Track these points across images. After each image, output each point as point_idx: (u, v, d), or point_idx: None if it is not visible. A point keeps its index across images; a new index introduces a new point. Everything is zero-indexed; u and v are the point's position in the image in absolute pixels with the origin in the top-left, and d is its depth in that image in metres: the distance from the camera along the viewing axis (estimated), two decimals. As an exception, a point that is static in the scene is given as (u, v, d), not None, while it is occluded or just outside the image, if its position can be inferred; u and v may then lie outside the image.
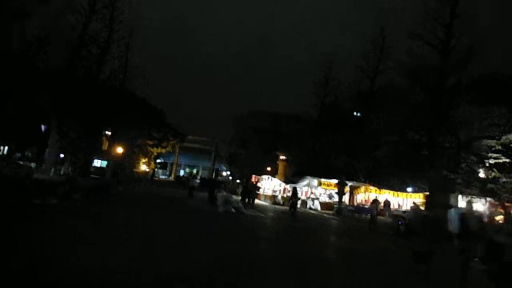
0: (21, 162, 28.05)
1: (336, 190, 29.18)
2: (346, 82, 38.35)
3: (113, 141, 43.74)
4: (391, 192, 29.60)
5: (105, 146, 45.46)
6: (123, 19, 35.73)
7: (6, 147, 42.22)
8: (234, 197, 20.98)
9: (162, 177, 68.21)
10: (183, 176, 68.11)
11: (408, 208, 25.44)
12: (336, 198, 30.32)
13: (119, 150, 45.32)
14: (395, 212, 24.60)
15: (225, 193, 20.40)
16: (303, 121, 57.11)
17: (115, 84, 39.55)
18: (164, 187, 38.95)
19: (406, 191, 30.03)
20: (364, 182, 31.44)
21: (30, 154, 41.83)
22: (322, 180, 29.18)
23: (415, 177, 28.41)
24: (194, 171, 75.12)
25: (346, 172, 34.07)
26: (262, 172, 49.96)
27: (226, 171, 75.66)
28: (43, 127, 28.03)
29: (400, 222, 17.43)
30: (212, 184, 22.60)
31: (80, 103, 32.06)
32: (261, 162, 56.13)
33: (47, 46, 28.96)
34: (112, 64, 36.65)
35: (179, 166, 74.80)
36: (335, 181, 29.47)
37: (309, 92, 42.18)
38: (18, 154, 42.04)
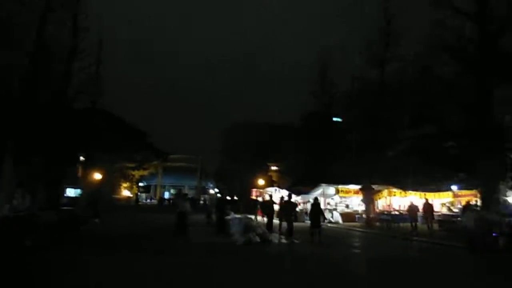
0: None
1: (361, 196, 23.73)
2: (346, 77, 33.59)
3: (88, 166, 36.94)
4: (418, 193, 24.36)
5: (79, 173, 38.33)
6: (88, 26, 29.72)
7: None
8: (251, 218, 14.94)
9: (147, 201, 61.01)
10: (169, 198, 61.14)
11: (457, 210, 20.25)
12: (356, 207, 24.84)
13: (97, 176, 38.59)
14: (442, 217, 19.38)
15: (237, 215, 14.48)
16: (294, 128, 52.14)
17: (86, 100, 33.29)
18: (149, 213, 32.39)
19: (435, 191, 24.87)
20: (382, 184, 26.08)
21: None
22: (340, 187, 23.66)
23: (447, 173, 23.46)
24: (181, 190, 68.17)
25: (348, 177, 28.84)
26: (252, 186, 44.29)
27: (213, 188, 69.26)
28: (-10, 153, 21.26)
29: (495, 234, 12.00)
30: (221, 205, 15.92)
31: (43, 123, 25.50)
32: (252, 175, 50.37)
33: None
34: (80, 77, 30.28)
35: (163, 187, 67.75)
36: (353, 186, 24.01)
37: (307, 92, 36.89)
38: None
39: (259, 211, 28.18)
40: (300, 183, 34.25)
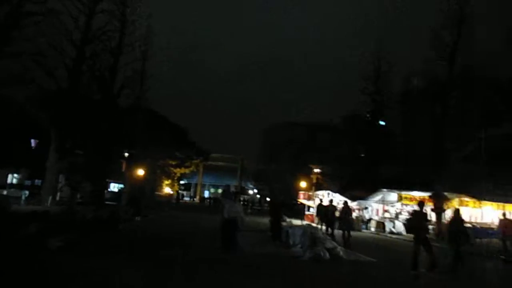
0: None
1: (431, 205, 20.36)
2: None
3: (132, 162, 35.93)
4: (495, 204, 20.55)
5: (123, 169, 37.37)
6: (136, 19, 28.51)
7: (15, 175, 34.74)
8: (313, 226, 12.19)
9: (186, 198, 59.90)
10: (209, 197, 59.70)
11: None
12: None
13: (139, 172, 37.57)
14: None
15: (300, 223, 11.93)
16: (336, 129, 48.87)
17: (131, 96, 32.23)
18: (191, 212, 30.55)
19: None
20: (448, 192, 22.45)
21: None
22: (404, 193, 20.40)
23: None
24: (219, 190, 66.72)
25: (402, 182, 25.38)
26: (294, 188, 41.50)
27: (252, 188, 67.16)
28: (33, 142, 20.20)
29: None
30: (276, 209, 13.15)
31: (88, 116, 24.39)
32: (293, 176, 47.61)
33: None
34: (125, 72, 29.11)
35: (203, 186, 66.56)
36: (418, 193, 20.63)
37: (357, 90, 33.60)
38: (28, 182, 34.51)
39: (308, 217, 25.47)
40: (350, 187, 31.13)
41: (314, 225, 11.74)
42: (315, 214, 24.06)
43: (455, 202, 20.51)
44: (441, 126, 24.56)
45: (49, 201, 20.33)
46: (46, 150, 21.35)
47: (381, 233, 19.93)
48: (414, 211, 12.63)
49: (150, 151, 40.72)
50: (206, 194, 64.24)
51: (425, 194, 20.23)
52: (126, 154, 35.05)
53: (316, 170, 50.22)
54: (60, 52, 21.03)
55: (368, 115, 44.87)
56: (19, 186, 31.00)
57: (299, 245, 10.07)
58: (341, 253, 10.08)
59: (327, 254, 9.38)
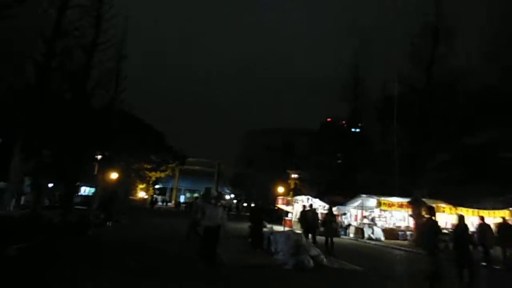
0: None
1: (402, 211, 20.34)
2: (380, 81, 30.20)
3: (105, 165, 34.36)
4: (471, 210, 20.73)
5: (95, 171, 35.67)
6: (112, 16, 27.32)
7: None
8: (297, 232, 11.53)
9: (162, 204, 58.18)
10: (185, 202, 58.21)
11: None
12: (398, 222, 21.38)
13: (113, 175, 36.00)
14: None
15: (282, 229, 11.31)
16: (314, 135, 49.01)
17: (105, 96, 30.87)
18: (165, 218, 29.37)
19: (490, 208, 21.14)
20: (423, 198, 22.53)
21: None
22: (383, 199, 20.22)
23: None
24: (195, 195, 65.33)
25: (378, 188, 25.40)
26: (272, 193, 41.15)
27: (229, 193, 66.21)
28: (-6, 141, 18.68)
29: None
30: (257, 214, 12.36)
31: (58, 115, 22.96)
32: (270, 181, 47.32)
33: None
34: (99, 71, 27.77)
35: (179, 191, 64.99)
36: (397, 199, 20.54)
37: (335, 98, 33.55)
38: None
39: (287, 222, 24.92)
40: (328, 192, 30.92)
41: (297, 231, 11.11)
42: (295, 220, 23.68)
43: (432, 208, 20.57)
44: (418, 133, 24.70)
45: (11, 205, 18.81)
46: (9, 150, 19.80)
47: (360, 239, 19.63)
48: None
49: (125, 154, 39.29)
50: (182, 198, 62.72)
51: (403, 200, 20.17)
52: (99, 157, 33.55)
53: (294, 176, 50.11)
54: (29, 45, 19.63)
55: (343, 122, 45.24)
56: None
57: (281, 253, 9.45)
58: (325, 261, 9.55)
59: (311, 262, 8.81)
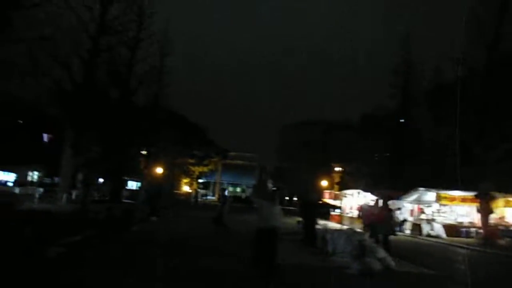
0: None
1: (465, 206, 18.20)
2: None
3: (150, 160, 34.75)
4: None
5: (142, 167, 36.18)
6: (153, 12, 27.14)
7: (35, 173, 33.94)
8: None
9: (205, 198, 58.56)
10: (221, 195, 57.99)
11: None
12: (460, 218, 19.20)
13: (158, 170, 36.38)
14: None
15: (340, 226, 10.05)
16: (360, 127, 46.53)
17: (148, 91, 31.03)
18: (211, 212, 28.66)
19: None
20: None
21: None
22: (443, 192, 18.19)
23: None
24: (238, 189, 65.16)
25: (430, 182, 23.04)
26: (315, 186, 39.50)
27: (271, 188, 65.16)
28: (45, 136, 18.95)
29: None
30: (309, 209, 11.16)
31: (104, 112, 23.14)
32: (312, 175, 45.62)
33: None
34: (143, 67, 27.80)
35: (221, 185, 65.13)
36: (459, 193, 18.37)
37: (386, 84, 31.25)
38: (48, 180, 33.67)
39: (334, 218, 23.31)
40: (376, 186, 28.91)
41: (358, 230, 9.74)
42: (357, 216, 22.13)
43: (500, 203, 18.23)
44: (478, 120, 22.10)
45: (63, 200, 19.10)
46: (60, 146, 20.15)
47: (418, 236, 17.79)
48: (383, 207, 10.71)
49: (169, 149, 39.60)
50: (225, 193, 62.76)
51: (467, 194, 17.98)
52: (145, 152, 33.95)
53: (338, 169, 48.00)
54: (75, 42, 19.72)
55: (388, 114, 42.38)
56: (39, 184, 30.17)
57: (342, 254, 8.21)
58: (392, 263, 8.17)
59: (379, 265, 7.49)
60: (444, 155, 28.98)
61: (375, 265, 7.42)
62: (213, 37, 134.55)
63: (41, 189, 21.20)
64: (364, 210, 14.11)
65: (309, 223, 10.45)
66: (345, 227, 12.26)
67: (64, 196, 19.23)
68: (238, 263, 7.89)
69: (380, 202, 15.41)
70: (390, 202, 19.25)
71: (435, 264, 9.82)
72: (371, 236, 9.96)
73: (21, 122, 27.15)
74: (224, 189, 49.14)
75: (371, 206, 13.55)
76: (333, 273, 7.63)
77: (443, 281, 7.75)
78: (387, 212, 12.82)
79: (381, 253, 7.90)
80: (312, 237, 10.07)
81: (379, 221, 11.90)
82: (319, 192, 30.53)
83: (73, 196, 21.37)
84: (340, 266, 7.94)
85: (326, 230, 9.91)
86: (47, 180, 32.58)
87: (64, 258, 7.50)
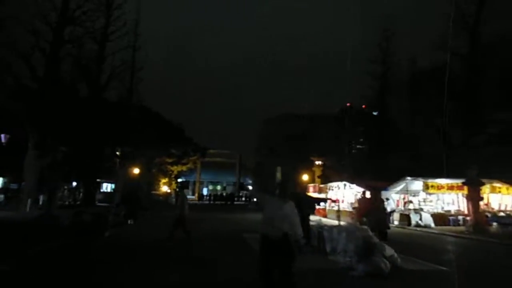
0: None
1: (452, 194, 17.67)
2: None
3: (126, 161, 32.76)
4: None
5: (116, 168, 34.09)
6: (121, 4, 25.26)
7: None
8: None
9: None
10: (207, 194, 56.43)
11: None
12: (447, 206, 18.70)
13: (134, 171, 34.44)
14: None
15: (337, 222, 8.94)
16: (338, 120, 46.10)
17: (120, 87, 29.06)
18: (193, 212, 26.98)
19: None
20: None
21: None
22: (430, 181, 17.56)
23: None
24: (218, 187, 63.65)
25: (408, 170, 22.64)
26: (296, 181, 38.71)
27: (252, 184, 64.24)
28: (3, 137, 16.94)
29: None
30: (299, 204, 9.91)
31: (71, 108, 21.20)
32: (293, 170, 44.78)
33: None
34: (113, 62, 25.87)
35: (201, 183, 63.47)
36: (446, 181, 17.82)
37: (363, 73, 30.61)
38: (14, 185, 31.01)
39: (320, 211, 22.35)
40: (358, 178, 28.32)
41: (362, 226, 8.64)
42: (330, 209, 21.22)
43: (485, 189, 17.80)
44: (458, 106, 21.79)
45: (28, 206, 17.15)
46: (22, 147, 18.13)
47: (406, 227, 17.10)
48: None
49: (145, 148, 37.67)
50: (205, 191, 61.16)
51: (454, 181, 17.43)
52: (118, 153, 31.96)
53: (318, 162, 47.41)
54: (34, 33, 17.78)
55: (364, 106, 42.07)
56: (4, 190, 27.66)
57: (343, 254, 7.12)
58: (399, 261, 7.16)
59: (388, 266, 6.44)
60: (422, 144, 28.82)
61: (384, 265, 6.37)
62: (189, 32, 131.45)
63: (1, 196, 19.03)
64: (362, 203, 13.17)
65: (302, 220, 9.31)
66: (342, 222, 11.14)
67: (29, 202, 17.27)
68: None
69: (368, 194, 14.63)
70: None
71: (439, 258, 8.93)
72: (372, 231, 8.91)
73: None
74: (180, 185, 46.95)
75: (368, 199, 12.62)
76: (336, 275, 6.54)
77: (462, 279, 6.78)
78: (382, 204, 11.96)
79: (389, 250, 6.85)
80: (306, 235, 8.94)
81: (374, 214, 10.99)
82: (304, 185, 29.63)
83: (40, 202, 19.37)
84: (342, 267, 6.86)
85: (322, 226, 8.80)
86: (13, 186, 30.03)
87: (12, 275, 6.03)
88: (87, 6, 19.97)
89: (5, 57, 18.21)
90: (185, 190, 49.97)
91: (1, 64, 17.40)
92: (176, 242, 10.34)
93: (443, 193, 18.11)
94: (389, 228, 11.39)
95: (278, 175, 36.41)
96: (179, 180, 53.85)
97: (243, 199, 49.32)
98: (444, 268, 7.43)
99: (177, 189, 41.68)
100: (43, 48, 18.77)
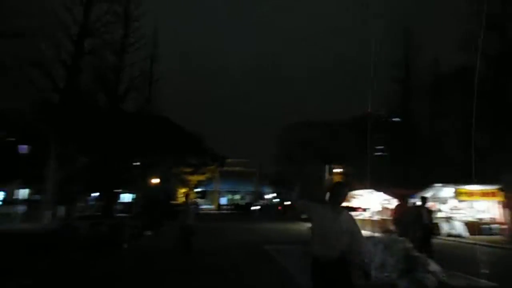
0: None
1: (485, 201, 16.50)
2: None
3: (145, 171, 32.72)
4: None
5: (136, 178, 34.00)
6: (140, 14, 25.45)
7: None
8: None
9: (202, 206, 56.47)
10: (226, 204, 55.87)
11: None
12: (479, 214, 17.48)
13: (153, 181, 34.37)
14: None
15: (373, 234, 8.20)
16: (356, 127, 45.06)
17: (138, 98, 29.14)
18: (212, 222, 26.60)
19: None
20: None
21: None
22: (462, 188, 16.47)
23: None
24: (237, 196, 63.14)
25: (434, 176, 21.41)
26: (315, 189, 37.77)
27: (270, 193, 63.39)
28: (21, 148, 16.97)
29: None
30: None
31: (91, 118, 21.28)
32: (312, 177, 43.82)
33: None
34: (131, 73, 25.96)
35: (219, 193, 63.10)
36: (478, 187, 16.66)
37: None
38: (37, 196, 31.38)
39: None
40: (380, 185, 27.23)
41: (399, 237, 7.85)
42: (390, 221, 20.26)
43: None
44: (487, 107, 20.60)
45: (48, 217, 17.05)
46: (43, 159, 18.16)
47: (437, 237, 15.99)
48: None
49: (164, 159, 37.64)
50: (224, 201, 60.71)
51: (488, 188, 16.27)
52: (138, 163, 31.98)
53: (337, 170, 46.32)
54: (56, 46, 17.95)
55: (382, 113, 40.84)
56: (28, 202, 27.98)
57: (381, 269, 6.39)
58: (443, 276, 6.37)
59: (434, 282, 5.69)
60: (447, 149, 27.53)
61: (429, 282, 5.62)
62: (207, 42, 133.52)
63: (23, 208, 19.08)
64: (398, 210, 12.36)
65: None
66: (376, 234, 10.37)
67: (49, 213, 17.17)
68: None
69: (409, 201, 13.81)
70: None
71: (484, 272, 8.04)
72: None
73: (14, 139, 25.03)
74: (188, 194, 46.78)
75: (408, 206, 11.82)
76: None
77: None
78: (426, 212, 11.06)
79: (433, 265, 6.09)
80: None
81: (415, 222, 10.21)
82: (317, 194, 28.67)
83: (60, 213, 19.31)
84: (382, 284, 6.13)
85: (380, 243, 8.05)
86: (36, 197, 30.39)
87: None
88: (107, 18, 20.07)
89: (29, 71, 18.45)
90: (199, 200, 49.45)
91: (25, 78, 17.56)
92: (194, 254, 9.78)
93: (475, 200, 16.93)
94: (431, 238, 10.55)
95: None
96: (196, 190, 53.75)
97: (258, 207, 48.47)
98: (494, 284, 6.58)
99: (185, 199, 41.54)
100: (63, 60, 18.91)
